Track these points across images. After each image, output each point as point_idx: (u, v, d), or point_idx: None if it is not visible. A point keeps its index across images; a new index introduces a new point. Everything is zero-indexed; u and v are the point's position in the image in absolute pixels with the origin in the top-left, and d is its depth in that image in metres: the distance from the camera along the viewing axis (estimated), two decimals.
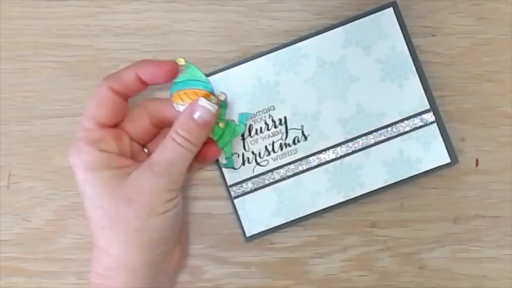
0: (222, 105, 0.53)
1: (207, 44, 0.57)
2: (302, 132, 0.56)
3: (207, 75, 0.55)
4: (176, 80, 0.53)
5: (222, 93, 0.53)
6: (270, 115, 0.56)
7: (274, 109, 0.56)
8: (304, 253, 0.57)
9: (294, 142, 0.56)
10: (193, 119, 0.50)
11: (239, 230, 0.56)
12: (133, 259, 0.49)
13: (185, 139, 0.50)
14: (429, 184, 0.57)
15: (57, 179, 0.57)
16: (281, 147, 0.56)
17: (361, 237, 0.57)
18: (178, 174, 0.50)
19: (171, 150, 0.50)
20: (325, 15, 0.57)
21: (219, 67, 0.56)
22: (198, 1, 0.57)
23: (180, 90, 0.52)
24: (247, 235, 0.56)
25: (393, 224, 0.57)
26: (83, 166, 0.49)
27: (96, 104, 0.51)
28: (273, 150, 0.56)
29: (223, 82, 0.56)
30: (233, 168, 0.56)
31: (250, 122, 0.56)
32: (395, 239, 0.57)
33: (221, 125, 0.53)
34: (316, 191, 0.56)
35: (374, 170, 0.56)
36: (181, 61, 0.52)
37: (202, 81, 0.53)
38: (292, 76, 0.56)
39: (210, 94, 0.52)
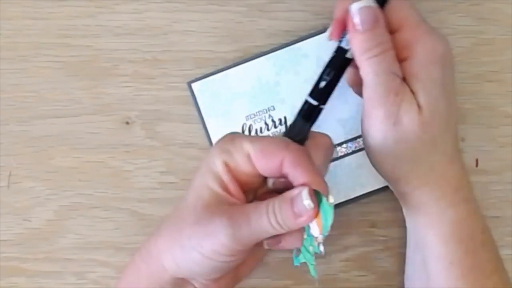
0: (315, 248, 0.49)
1: (207, 44, 0.57)
2: None
3: (207, 75, 0.55)
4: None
5: (324, 247, 0.49)
6: (270, 115, 0.56)
7: (274, 109, 0.56)
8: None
9: None
10: (290, 204, 0.45)
11: None
12: (165, 260, 0.47)
13: (274, 214, 0.45)
14: None
15: (57, 179, 0.57)
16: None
17: (361, 237, 0.57)
18: (247, 238, 0.45)
19: (256, 212, 0.45)
20: (325, 15, 0.57)
21: (219, 67, 0.56)
22: (198, 1, 0.57)
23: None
24: None
25: (393, 224, 0.57)
26: (206, 158, 0.47)
27: (262, 148, 0.46)
28: None
29: (223, 82, 0.56)
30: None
31: (250, 122, 0.56)
32: (395, 239, 0.57)
33: (310, 248, 0.49)
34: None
35: (374, 170, 0.56)
36: (331, 200, 0.46)
37: (326, 221, 0.47)
38: (292, 76, 0.56)
39: (321, 232, 0.47)
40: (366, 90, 0.47)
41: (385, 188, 0.56)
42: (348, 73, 0.51)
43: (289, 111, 0.56)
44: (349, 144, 0.56)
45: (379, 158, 0.49)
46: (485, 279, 0.48)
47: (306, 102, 0.49)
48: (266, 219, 0.45)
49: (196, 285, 0.49)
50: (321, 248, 0.48)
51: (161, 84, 0.56)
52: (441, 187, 0.49)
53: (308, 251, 0.49)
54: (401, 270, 0.56)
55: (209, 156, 0.47)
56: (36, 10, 0.57)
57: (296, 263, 0.50)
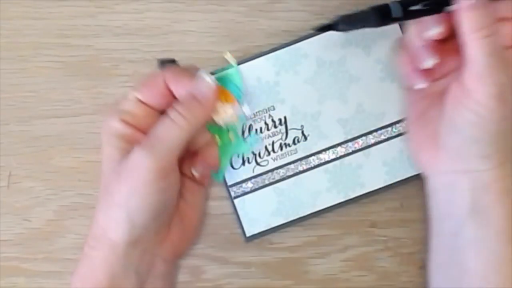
0: (241, 118, 0.53)
1: (207, 44, 0.57)
2: (302, 132, 0.56)
3: None
4: (217, 71, 0.52)
5: (249, 108, 0.53)
6: (270, 115, 0.56)
7: (274, 109, 0.56)
8: (304, 253, 0.57)
9: (294, 142, 0.56)
10: (190, 93, 0.50)
11: (239, 230, 0.56)
12: (113, 234, 0.49)
13: (178, 112, 0.49)
14: None
15: (57, 179, 0.57)
16: (281, 147, 0.56)
17: (361, 237, 0.57)
18: (165, 152, 0.48)
19: (161, 125, 0.49)
20: (325, 15, 0.57)
21: (219, 67, 0.56)
22: (198, 1, 0.57)
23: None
24: (247, 235, 0.56)
25: (393, 224, 0.57)
26: (105, 128, 0.51)
27: (146, 83, 0.51)
28: (273, 150, 0.56)
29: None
30: (219, 181, 0.55)
31: (250, 122, 0.56)
32: (395, 239, 0.57)
33: (231, 136, 0.53)
34: (316, 191, 0.56)
35: (374, 170, 0.56)
36: (228, 55, 0.52)
37: (237, 87, 0.52)
38: (292, 76, 0.56)
39: (236, 102, 0.52)
40: (474, 65, 0.46)
41: (385, 188, 0.56)
42: (401, 54, 0.52)
43: (289, 111, 0.56)
44: (349, 144, 0.56)
45: (477, 135, 0.48)
46: None
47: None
48: (172, 122, 0.49)
49: (150, 250, 0.51)
50: (245, 109, 0.53)
51: None
52: None
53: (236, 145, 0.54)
54: (401, 270, 0.56)
55: (105, 126, 0.51)
56: (36, 10, 0.57)
57: (220, 178, 0.55)
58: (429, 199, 0.54)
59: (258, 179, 0.56)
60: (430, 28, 0.49)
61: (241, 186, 0.56)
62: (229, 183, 0.56)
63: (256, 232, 0.56)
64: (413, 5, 0.47)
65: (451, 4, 0.47)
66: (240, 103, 0.52)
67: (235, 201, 0.56)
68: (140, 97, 0.51)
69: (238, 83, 0.52)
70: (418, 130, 0.53)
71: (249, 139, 0.55)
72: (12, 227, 0.57)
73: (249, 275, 0.57)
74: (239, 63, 0.55)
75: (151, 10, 0.57)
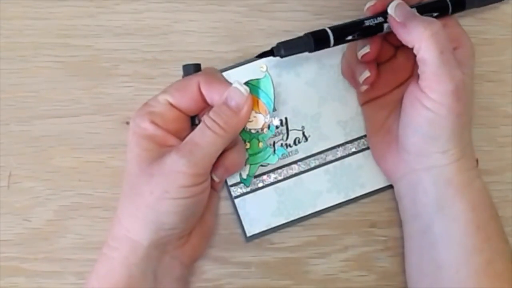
0: (271, 129, 0.53)
1: (207, 44, 0.57)
2: (303, 133, 0.56)
3: None
4: (251, 81, 0.52)
5: (279, 119, 0.54)
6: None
7: (274, 109, 0.56)
8: (304, 253, 0.57)
9: (295, 143, 0.56)
10: (225, 103, 0.50)
11: (239, 230, 0.56)
12: (137, 234, 0.49)
13: (214, 121, 0.49)
14: None
15: (57, 179, 0.57)
16: (282, 147, 0.56)
17: (361, 237, 0.57)
18: (201, 159, 0.48)
19: (198, 131, 0.49)
20: (325, 15, 0.57)
21: (219, 67, 0.56)
22: (198, 1, 0.57)
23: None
24: (247, 235, 0.56)
25: (393, 224, 0.57)
26: (133, 129, 0.51)
27: (177, 87, 0.52)
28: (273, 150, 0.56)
29: None
30: (247, 186, 0.56)
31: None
32: (395, 239, 0.57)
33: (260, 145, 0.53)
34: (316, 191, 0.56)
35: (374, 171, 0.56)
36: (263, 68, 0.52)
37: (269, 97, 0.52)
38: (293, 78, 0.56)
39: (267, 112, 0.52)
40: (428, 67, 0.48)
41: (385, 188, 0.56)
42: (343, 64, 0.55)
43: (290, 112, 0.56)
44: (349, 145, 0.56)
45: (435, 132, 0.50)
46: (505, 243, 0.52)
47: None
48: (209, 131, 0.49)
49: (170, 253, 0.52)
50: (275, 122, 0.53)
51: (161, 84, 0.56)
52: (471, 159, 0.52)
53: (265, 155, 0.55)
54: (401, 270, 0.56)
55: (134, 127, 0.51)
56: (36, 10, 0.57)
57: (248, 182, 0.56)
58: (398, 205, 0.55)
59: (259, 179, 0.56)
60: (362, 48, 0.52)
61: (241, 186, 0.56)
62: (229, 183, 0.56)
63: (256, 232, 0.56)
64: (347, 35, 0.51)
65: (383, 27, 0.51)
66: (270, 113, 0.52)
67: (236, 201, 0.56)
68: (171, 100, 0.51)
69: (270, 93, 0.52)
70: (380, 140, 0.54)
71: (277, 151, 0.55)
72: (12, 227, 0.57)
73: (249, 275, 0.57)
74: (239, 64, 0.55)
75: (151, 10, 0.57)
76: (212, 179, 0.52)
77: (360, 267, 0.57)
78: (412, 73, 0.54)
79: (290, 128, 0.56)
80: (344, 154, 0.56)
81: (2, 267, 0.57)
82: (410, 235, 0.54)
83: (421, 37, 0.48)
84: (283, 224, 0.56)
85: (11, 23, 0.57)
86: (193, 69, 0.53)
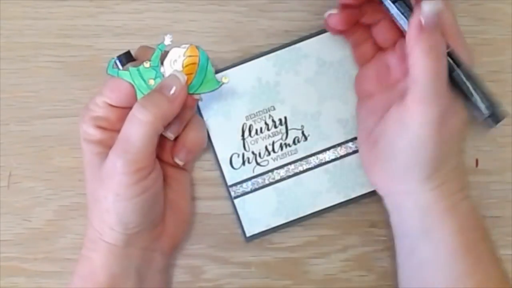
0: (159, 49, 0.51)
1: (207, 44, 0.57)
2: (302, 132, 0.56)
3: None
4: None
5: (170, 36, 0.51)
6: (270, 115, 0.56)
7: (274, 109, 0.56)
8: (304, 253, 0.57)
9: (294, 142, 0.56)
10: (159, 90, 0.49)
11: (239, 230, 0.56)
12: (109, 237, 0.50)
13: (141, 105, 0.48)
14: None
15: (57, 179, 0.57)
16: (281, 147, 0.56)
17: (361, 237, 0.57)
18: (137, 154, 0.47)
19: (126, 124, 0.48)
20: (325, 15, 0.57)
21: (219, 67, 0.56)
22: (198, 1, 0.57)
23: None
24: (247, 235, 0.56)
25: None
26: (82, 135, 0.51)
27: (111, 87, 0.51)
28: (273, 150, 0.56)
29: None
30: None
31: (250, 122, 0.56)
32: None
33: (151, 82, 0.51)
34: (316, 191, 0.56)
35: None
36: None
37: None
38: (293, 76, 0.56)
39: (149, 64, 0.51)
40: (418, 87, 0.47)
41: None
42: (356, 52, 0.55)
43: (290, 111, 0.56)
44: (350, 144, 0.56)
45: (418, 159, 0.49)
46: (497, 266, 0.51)
47: None
48: (136, 121, 0.47)
49: (147, 247, 0.52)
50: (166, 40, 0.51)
51: None
52: (457, 182, 0.50)
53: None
54: None
55: (82, 133, 0.51)
56: (36, 10, 0.57)
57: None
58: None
59: (258, 179, 0.56)
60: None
61: (241, 186, 0.56)
62: (229, 183, 0.56)
63: (256, 232, 0.56)
64: None
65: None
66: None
67: (235, 201, 0.56)
68: (110, 102, 0.51)
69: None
70: (368, 150, 0.53)
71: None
72: (12, 227, 0.57)
73: (249, 275, 0.57)
74: (239, 63, 0.56)
75: (151, 10, 0.58)
76: (175, 162, 0.52)
77: (360, 267, 0.57)
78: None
79: (289, 127, 0.56)
80: (344, 153, 0.56)
81: (2, 267, 0.57)
82: (400, 252, 0.53)
83: (423, 55, 0.46)
84: (283, 224, 0.56)
85: (11, 23, 0.57)
86: (125, 58, 0.51)
